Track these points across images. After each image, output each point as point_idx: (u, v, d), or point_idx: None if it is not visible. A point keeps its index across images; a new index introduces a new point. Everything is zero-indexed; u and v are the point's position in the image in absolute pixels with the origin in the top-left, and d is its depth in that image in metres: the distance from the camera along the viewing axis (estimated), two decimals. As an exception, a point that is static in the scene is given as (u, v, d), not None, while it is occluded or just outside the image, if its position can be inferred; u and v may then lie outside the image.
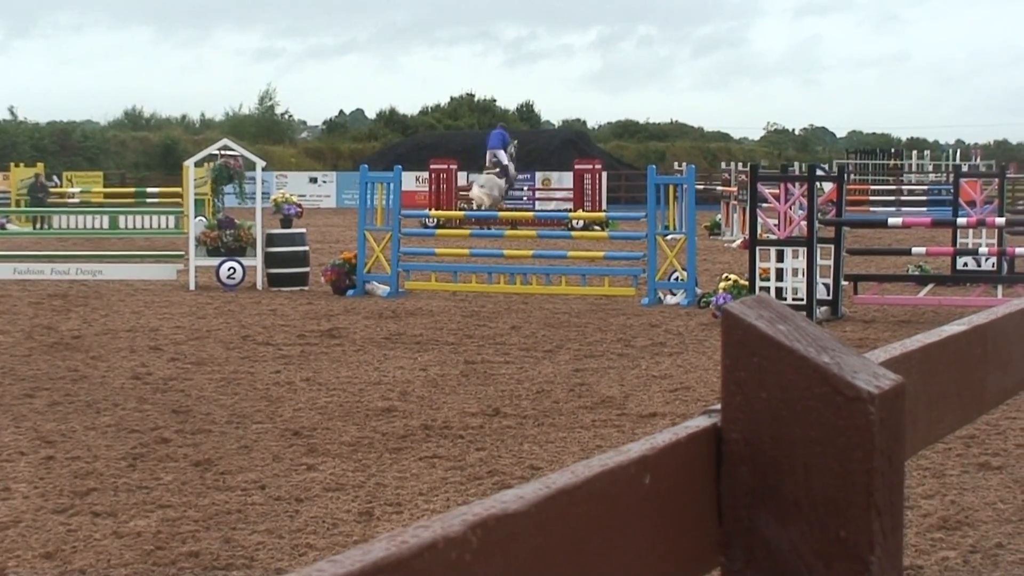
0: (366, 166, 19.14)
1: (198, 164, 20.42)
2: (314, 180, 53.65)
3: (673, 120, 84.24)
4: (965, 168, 37.87)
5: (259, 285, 18.18)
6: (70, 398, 9.71)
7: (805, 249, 14.02)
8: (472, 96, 76.25)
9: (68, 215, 28.44)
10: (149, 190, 38.57)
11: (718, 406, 1.24)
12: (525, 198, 37.91)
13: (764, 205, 14.92)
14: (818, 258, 14.12)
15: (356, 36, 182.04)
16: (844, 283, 14.92)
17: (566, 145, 55.22)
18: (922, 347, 1.64)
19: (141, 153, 61.58)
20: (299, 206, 19.03)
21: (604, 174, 37.03)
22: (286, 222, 18.66)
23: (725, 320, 1.23)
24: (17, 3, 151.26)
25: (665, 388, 10.16)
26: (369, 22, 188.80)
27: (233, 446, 8.07)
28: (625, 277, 17.19)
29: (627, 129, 78.09)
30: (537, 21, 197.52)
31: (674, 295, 16.35)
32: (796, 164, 34.93)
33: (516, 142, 35.47)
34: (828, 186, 15.98)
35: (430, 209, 28.17)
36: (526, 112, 76.70)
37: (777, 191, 15.37)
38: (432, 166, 34.63)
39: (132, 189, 40.82)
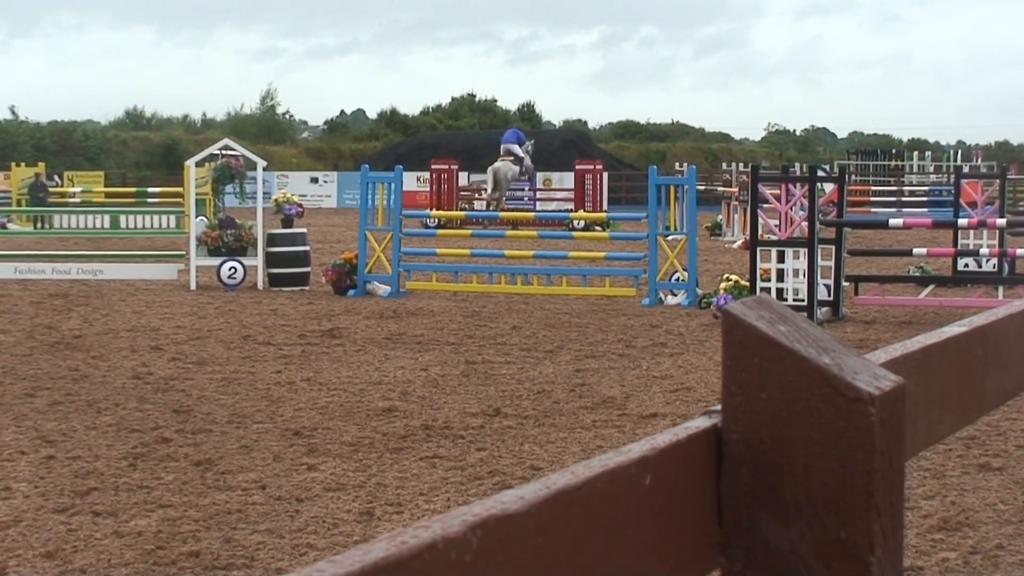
0: (367, 166, 19.12)
1: (199, 164, 20.43)
2: (315, 180, 53.66)
3: (674, 121, 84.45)
4: (966, 169, 37.84)
5: (260, 285, 18.19)
6: (71, 398, 9.72)
7: (806, 250, 14.02)
8: (473, 96, 76.33)
9: (69, 215, 28.42)
10: (150, 190, 38.52)
11: (718, 407, 1.24)
12: (526, 198, 37.88)
13: (765, 206, 14.92)
14: (819, 259, 14.12)
15: (357, 36, 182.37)
16: (845, 284, 14.92)
17: (567, 145, 55.22)
18: (923, 348, 1.64)
19: (142, 153, 61.63)
20: (300, 206, 19.03)
21: (605, 174, 37.08)
22: (287, 222, 18.66)
23: (726, 321, 1.23)
24: (18, 3, 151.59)
25: (666, 389, 10.16)
26: (370, 22, 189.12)
27: (234, 446, 8.08)
28: (626, 278, 17.19)
29: (628, 129, 78.15)
30: (539, 21, 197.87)
31: (675, 296, 16.34)
32: (797, 165, 34.94)
33: (533, 141, 35.57)
34: (829, 187, 15.98)
35: (431, 209, 28.18)
36: (527, 112, 76.73)
37: (778, 192, 15.38)
38: (433, 166, 34.68)
39: (133, 189, 40.78)
